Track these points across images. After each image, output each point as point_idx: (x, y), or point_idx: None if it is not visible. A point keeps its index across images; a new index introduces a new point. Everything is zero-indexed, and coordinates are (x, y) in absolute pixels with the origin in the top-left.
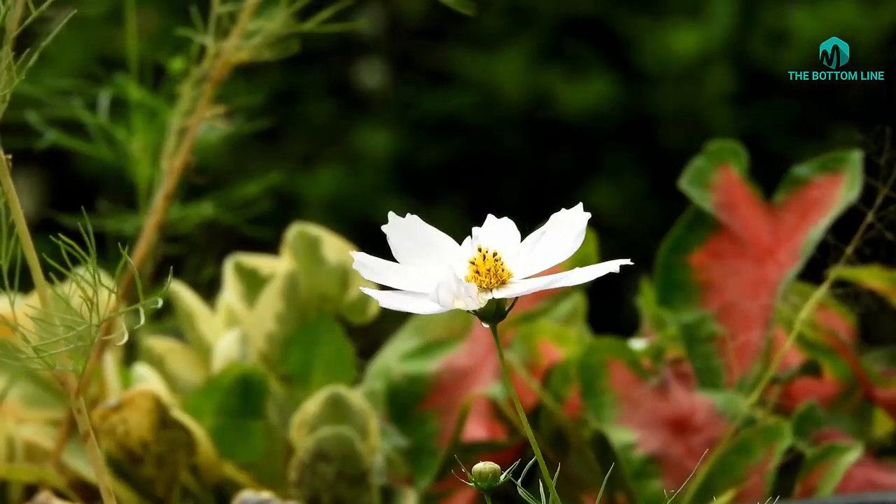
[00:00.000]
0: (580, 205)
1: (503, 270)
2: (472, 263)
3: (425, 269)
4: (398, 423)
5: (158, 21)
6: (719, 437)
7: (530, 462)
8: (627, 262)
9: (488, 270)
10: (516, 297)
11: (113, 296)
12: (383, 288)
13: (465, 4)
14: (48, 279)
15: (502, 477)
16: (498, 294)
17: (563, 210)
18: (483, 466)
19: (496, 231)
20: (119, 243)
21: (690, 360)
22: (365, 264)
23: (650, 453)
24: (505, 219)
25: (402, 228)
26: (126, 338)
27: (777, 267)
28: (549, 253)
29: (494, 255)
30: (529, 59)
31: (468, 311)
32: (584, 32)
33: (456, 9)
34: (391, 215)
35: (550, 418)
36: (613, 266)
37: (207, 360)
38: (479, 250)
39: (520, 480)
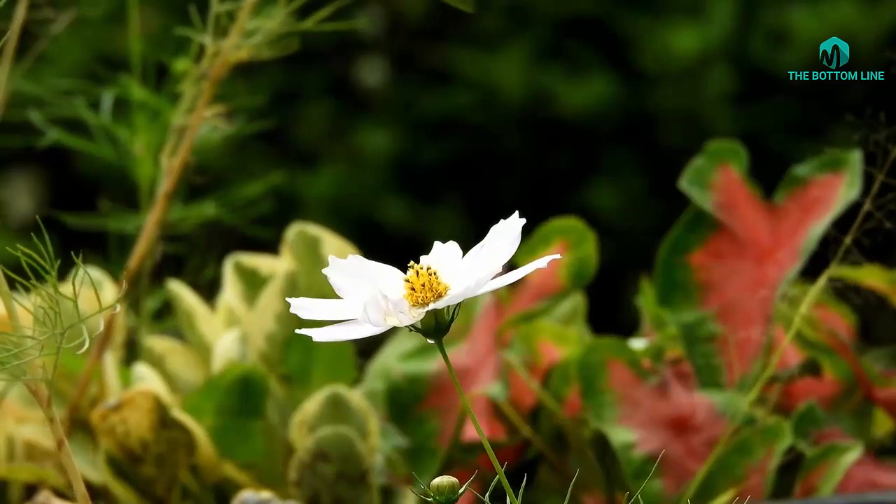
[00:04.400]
0: (516, 213)
1: (439, 284)
2: (408, 282)
3: (362, 296)
4: (398, 422)
5: (159, 21)
6: (719, 436)
7: (495, 479)
8: (557, 257)
9: (423, 285)
10: (457, 309)
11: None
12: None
13: (466, 2)
14: (39, 283)
15: (461, 490)
16: (432, 305)
17: (501, 220)
18: (441, 480)
19: (440, 254)
20: (121, 243)
21: (690, 359)
22: (302, 307)
23: (650, 453)
24: (451, 242)
25: (344, 268)
26: (87, 346)
27: (777, 267)
28: (487, 262)
29: (428, 269)
30: (529, 58)
31: (408, 329)
32: (584, 32)
33: (456, 6)
34: (331, 258)
35: (550, 418)
36: (542, 263)
37: (207, 360)
38: (414, 268)
39: (487, 490)
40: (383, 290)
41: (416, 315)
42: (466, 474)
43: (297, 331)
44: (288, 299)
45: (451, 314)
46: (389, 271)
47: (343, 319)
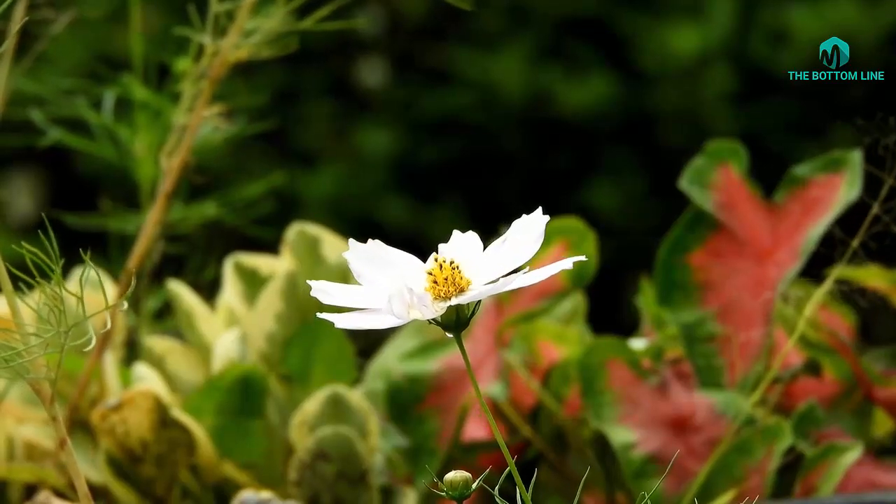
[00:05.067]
0: (539, 209)
1: (461, 278)
2: (430, 274)
3: (385, 287)
4: (398, 422)
5: (159, 20)
6: (719, 437)
7: (504, 473)
8: (582, 258)
9: (445, 279)
10: (477, 304)
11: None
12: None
13: (465, 0)
14: (44, 281)
15: (474, 485)
16: (455, 301)
17: (523, 216)
18: (454, 476)
19: (460, 245)
20: (121, 243)
21: (690, 359)
22: (324, 290)
23: (650, 453)
24: (470, 233)
25: (363, 253)
26: (92, 344)
27: (777, 266)
28: (509, 258)
29: (451, 263)
30: (529, 58)
31: (427, 322)
32: (584, 32)
33: (456, 4)
34: (351, 242)
35: (550, 418)
36: (566, 264)
37: (207, 360)
38: (437, 261)
39: (496, 486)
40: (408, 283)
41: (438, 309)
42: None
43: (319, 315)
44: (309, 282)
45: (471, 309)
46: (408, 259)
47: (363, 307)
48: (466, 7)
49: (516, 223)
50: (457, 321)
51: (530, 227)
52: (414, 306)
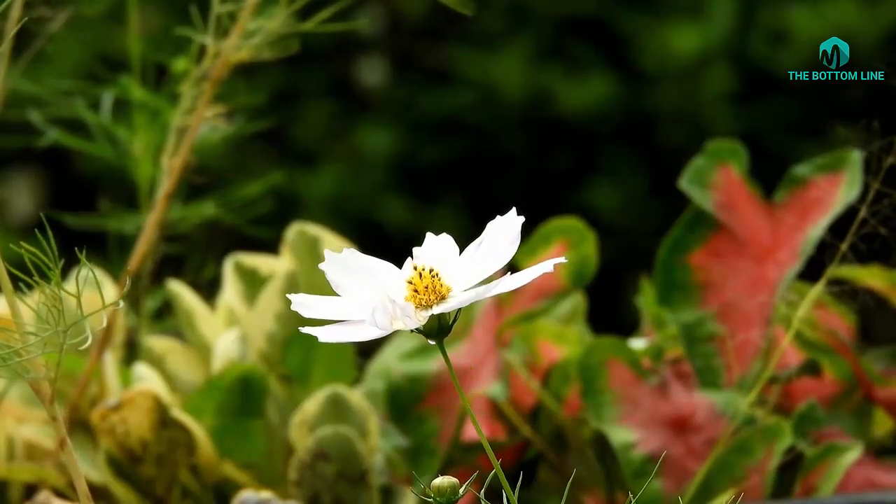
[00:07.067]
0: (514, 210)
1: (441, 286)
2: (410, 283)
3: (366, 297)
4: (398, 422)
5: (159, 20)
6: (719, 436)
7: (490, 475)
8: (562, 260)
9: (426, 287)
10: (458, 310)
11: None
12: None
13: (465, 4)
14: (43, 281)
15: (462, 490)
16: (437, 309)
17: (497, 217)
18: (441, 481)
19: (435, 249)
20: (120, 243)
21: (690, 359)
22: (304, 304)
23: (650, 453)
24: (444, 235)
25: (340, 262)
26: (90, 342)
27: (777, 266)
28: (487, 262)
29: (431, 271)
30: (529, 58)
31: (410, 332)
32: (584, 32)
33: (455, 8)
34: (326, 252)
35: (550, 418)
36: (547, 266)
37: (207, 360)
38: (416, 269)
39: (494, 487)
40: (389, 294)
41: (421, 318)
42: (466, 474)
43: (302, 329)
44: (289, 296)
45: (453, 316)
46: (386, 267)
47: (345, 318)
48: (467, 12)
49: (491, 225)
50: (439, 329)
51: (505, 230)
52: (397, 317)
